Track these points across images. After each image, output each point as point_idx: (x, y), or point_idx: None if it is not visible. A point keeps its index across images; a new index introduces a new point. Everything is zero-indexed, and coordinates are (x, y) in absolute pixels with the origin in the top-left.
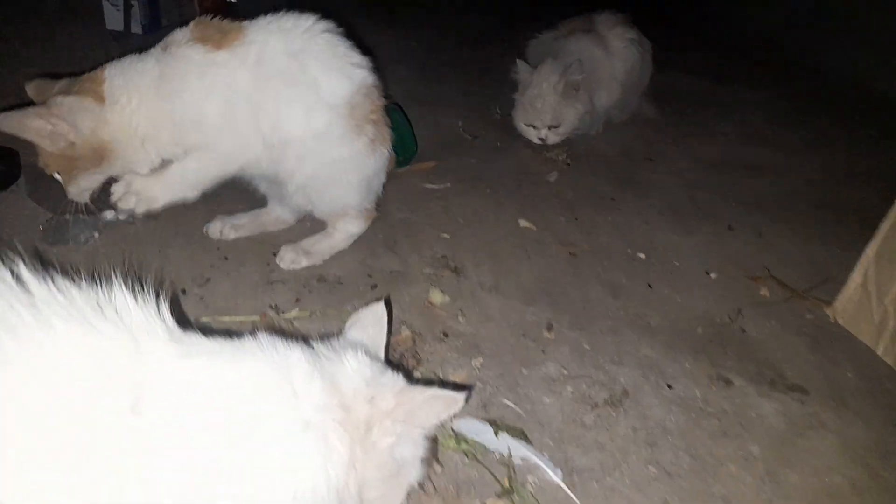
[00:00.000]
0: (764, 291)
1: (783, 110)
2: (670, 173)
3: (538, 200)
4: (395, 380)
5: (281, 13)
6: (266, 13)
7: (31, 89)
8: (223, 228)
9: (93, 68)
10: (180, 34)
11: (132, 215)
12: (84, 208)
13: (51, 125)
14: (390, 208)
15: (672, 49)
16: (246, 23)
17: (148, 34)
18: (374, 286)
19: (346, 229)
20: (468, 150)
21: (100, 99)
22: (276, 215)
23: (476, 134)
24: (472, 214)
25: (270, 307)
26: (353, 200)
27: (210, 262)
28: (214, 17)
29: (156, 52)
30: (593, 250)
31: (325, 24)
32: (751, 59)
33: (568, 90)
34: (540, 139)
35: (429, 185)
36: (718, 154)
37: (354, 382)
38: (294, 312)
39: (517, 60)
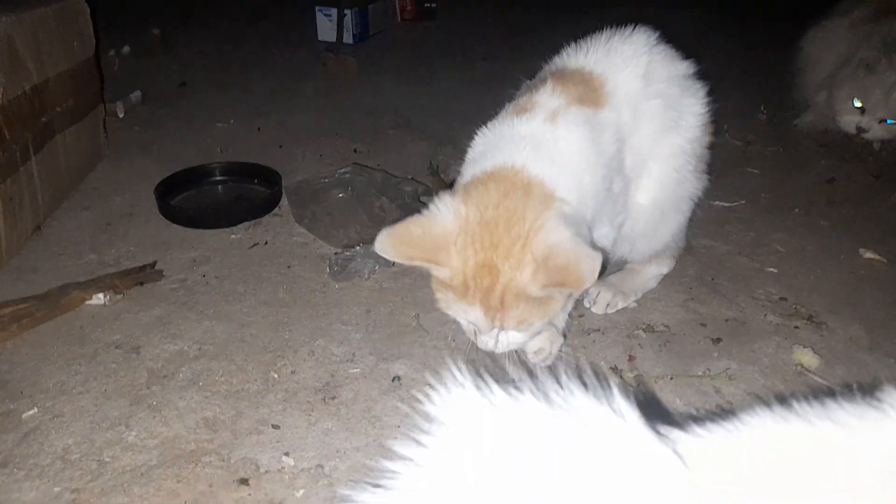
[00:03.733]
0: None
1: None
2: None
3: (869, 223)
4: None
5: (602, 34)
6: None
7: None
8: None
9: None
10: (550, 99)
11: None
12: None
13: None
14: (686, 233)
15: None
16: (585, 58)
17: (358, 44)
18: (717, 340)
19: (657, 270)
20: (744, 159)
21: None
22: None
23: (747, 139)
24: (791, 242)
25: (611, 369)
26: (675, 241)
27: None
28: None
29: (538, 126)
30: None
31: (653, 36)
32: None
33: None
34: (859, 128)
35: (719, 203)
36: None
37: None
38: (630, 377)
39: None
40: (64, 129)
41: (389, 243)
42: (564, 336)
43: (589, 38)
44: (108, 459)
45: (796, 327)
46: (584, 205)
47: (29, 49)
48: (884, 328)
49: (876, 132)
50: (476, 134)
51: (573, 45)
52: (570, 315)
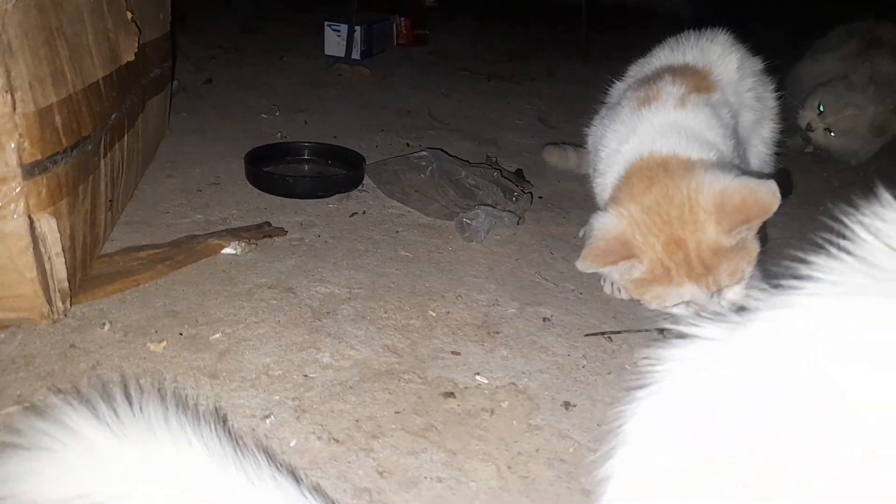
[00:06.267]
0: None
1: None
2: None
3: None
4: None
5: (687, 35)
6: None
7: None
8: None
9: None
10: (674, 88)
11: (519, 214)
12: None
13: None
14: None
15: None
16: (684, 55)
17: (363, 60)
18: None
19: None
20: None
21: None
22: None
23: None
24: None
25: None
26: None
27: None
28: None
29: (669, 112)
30: None
31: (732, 37)
32: None
33: None
34: (808, 126)
35: None
36: None
37: None
38: None
39: None
40: (152, 96)
41: (590, 259)
42: None
43: (677, 40)
44: (312, 375)
45: None
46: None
47: (137, 9)
48: None
49: (817, 135)
50: (597, 127)
51: (664, 46)
52: None
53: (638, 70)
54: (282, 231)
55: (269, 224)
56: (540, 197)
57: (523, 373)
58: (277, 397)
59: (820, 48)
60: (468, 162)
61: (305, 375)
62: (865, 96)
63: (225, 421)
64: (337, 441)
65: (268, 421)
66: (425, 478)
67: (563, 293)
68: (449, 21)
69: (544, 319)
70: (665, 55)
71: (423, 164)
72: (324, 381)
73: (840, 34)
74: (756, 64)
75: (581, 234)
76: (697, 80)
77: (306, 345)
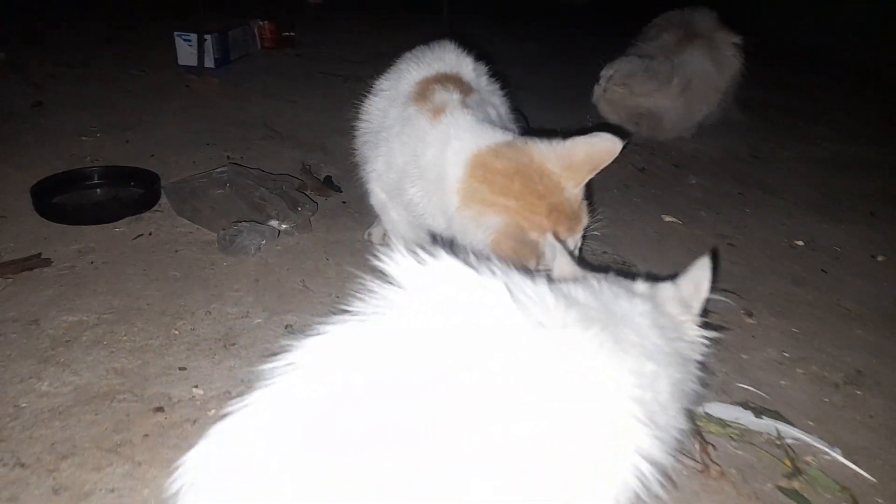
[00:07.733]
0: None
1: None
2: (789, 172)
3: (671, 197)
4: None
5: (422, 48)
6: None
7: None
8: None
9: None
10: (449, 95)
11: (295, 226)
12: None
13: None
14: None
15: None
16: (431, 66)
17: (219, 68)
18: None
19: None
20: None
21: None
22: None
23: None
24: (611, 213)
25: None
26: None
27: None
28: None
29: (460, 113)
30: (750, 241)
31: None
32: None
33: None
34: (597, 81)
35: None
36: (827, 154)
37: None
38: None
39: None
40: None
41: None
42: None
43: (415, 55)
44: (24, 405)
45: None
46: None
47: None
48: (678, 266)
49: (597, 91)
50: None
51: (408, 61)
52: None
53: (390, 85)
54: (47, 262)
55: (38, 256)
56: (344, 202)
57: (243, 381)
58: None
59: (641, 37)
60: (270, 174)
61: (16, 406)
62: (644, 86)
63: None
64: (22, 465)
65: None
66: (100, 489)
67: (320, 298)
68: (331, 21)
69: (286, 326)
70: (413, 69)
71: (224, 178)
72: (35, 409)
73: (660, 23)
74: (483, 68)
75: (366, 236)
76: (458, 85)
77: (29, 375)
